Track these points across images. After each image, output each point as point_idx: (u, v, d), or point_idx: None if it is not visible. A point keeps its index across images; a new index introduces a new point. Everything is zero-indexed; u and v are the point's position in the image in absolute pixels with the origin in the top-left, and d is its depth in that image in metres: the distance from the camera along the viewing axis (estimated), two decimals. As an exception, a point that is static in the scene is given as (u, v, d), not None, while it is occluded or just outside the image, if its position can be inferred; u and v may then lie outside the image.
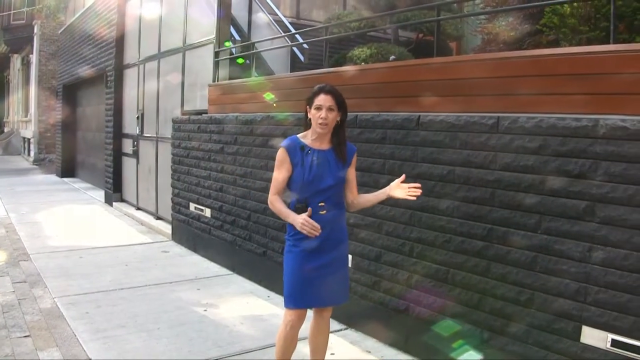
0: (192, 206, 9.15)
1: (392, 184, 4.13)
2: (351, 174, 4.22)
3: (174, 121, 9.96)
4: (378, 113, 5.66)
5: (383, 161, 5.49)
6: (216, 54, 9.15)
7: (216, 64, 9.15)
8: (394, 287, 5.36)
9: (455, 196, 4.83)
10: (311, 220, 3.84)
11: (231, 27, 9.79)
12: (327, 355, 5.09)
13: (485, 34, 7.83)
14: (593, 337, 3.92)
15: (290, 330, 4.14)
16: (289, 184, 4.03)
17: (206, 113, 9.12)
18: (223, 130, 8.22)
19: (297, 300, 4.09)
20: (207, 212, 8.63)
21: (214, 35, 9.26)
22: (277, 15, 11.71)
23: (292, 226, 4.01)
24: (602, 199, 3.88)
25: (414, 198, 4.08)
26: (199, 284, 7.39)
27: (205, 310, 6.32)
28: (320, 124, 3.96)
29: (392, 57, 7.66)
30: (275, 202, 4.03)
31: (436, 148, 5.02)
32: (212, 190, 8.52)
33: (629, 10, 5.37)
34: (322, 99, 3.95)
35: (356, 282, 5.69)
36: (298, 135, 4.12)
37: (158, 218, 11.45)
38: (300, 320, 4.17)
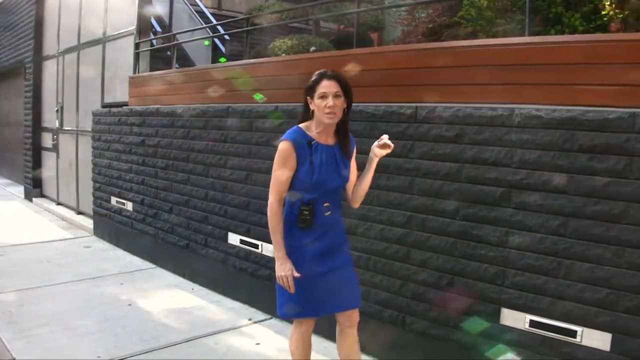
0: (113, 200, 8.85)
1: (373, 148, 3.66)
2: (353, 167, 3.81)
3: (94, 114, 9.60)
4: (300, 104, 5.52)
5: (312, 151, 5.38)
6: (137, 46, 8.85)
7: (137, 56, 8.86)
8: (317, 276, 5.26)
9: (375, 185, 4.72)
10: (292, 281, 3.45)
11: (152, 18, 9.54)
12: (252, 345, 5.02)
13: (404, 26, 7.83)
14: (512, 318, 3.96)
15: (302, 336, 3.77)
16: (291, 182, 3.53)
17: (127, 105, 8.82)
18: (144, 123, 7.96)
19: (303, 309, 3.63)
20: (129, 206, 8.37)
21: (134, 26, 8.97)
22: (198, 6, 11.46)
23: (294, 230, 3.53)
24: (518, 185, 3.91)
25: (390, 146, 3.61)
26: (122, 278, 7.14)
27: (129, 305, 6.10)
28: (327, 113, 3.44)
29: (312, 49, 7.55)
30: (275, 220, 3.50)
31: (356, 138, 4.91)
32: (133, 184, 8.25)
33: (545, 3, 5.42)
34: (326, 85, 3.43)
35: (280, 272, 5.59)
36: (301, 126, 3.58)
37: (79, 213, 11.05)
38: (312, 325, 3.78)
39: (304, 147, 3.48)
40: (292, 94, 5.71)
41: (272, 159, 5.62)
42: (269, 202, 3.51)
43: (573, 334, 3.69)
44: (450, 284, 4.30)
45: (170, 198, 7.35)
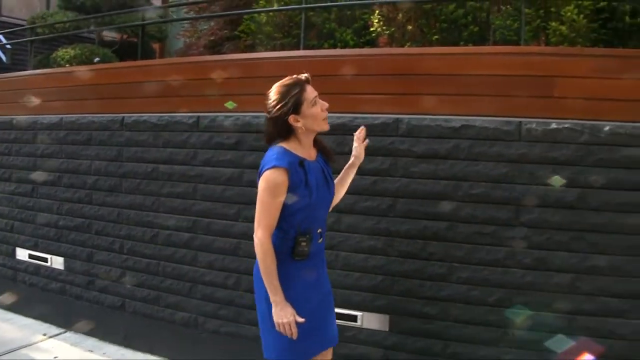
0: None
1: (354, 149, 2.92)
2: None
3: None
4: (84, 115, 4.79)
5: (90, 162, 4.63)
6: None
7: None
8: (109, 285, 4.51)
9: (160, 192, 4.19)
10: (295, 327, 2.48)
11: None
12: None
13: (187, 38, 7.27)
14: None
15: None
16: (282, 210, 2.53)
17: None
18: None
19: (301, 353, 2.62)
20: None
21: None
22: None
23: (286, 263, 2.54)
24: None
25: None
26: None
27: None
28: (325, 119, 2.61)
29: (96, 59, 6.69)
30: (269, 259, 2.48)
31: (140, 147, 4.33)
32: None
33: (319, 19, 5.22)
34: (312, 90, 2.57)
35: (70, 283, 4.75)
36: (284, 147, 2.56)
37: None
38: None
39: (297, 169, 2.53)
40: (78, 105, 4.94)
41: (58, 172, 4.94)
42: (257, 239, 2.49)
43: (354, 318, 3.49)
44: (237, 283, 3.87)
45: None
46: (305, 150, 2.61)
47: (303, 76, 2.58)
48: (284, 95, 2.52)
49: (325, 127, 2.63)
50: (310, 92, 2.56)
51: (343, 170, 2.94)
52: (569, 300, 3.05)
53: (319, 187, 2.59)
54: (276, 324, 2.49)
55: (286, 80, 2.58)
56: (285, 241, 2.56)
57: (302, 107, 2.52)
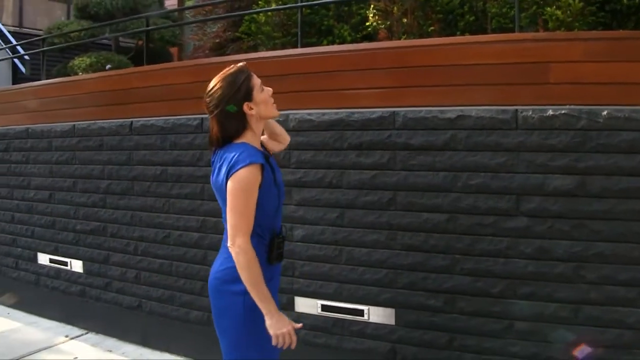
0: None
1: None
2: None
3: None
4: (94, 121, 4.76)
5: (102, 167, 4.60)
6: None
7: None
8: (125, 286, 4.48)
9: (169, 194, 4.14)
10: (295, 335, 2.21)
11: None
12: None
13: (195, 41, 7.22)
14: (305, 305, 3.57)
15: None
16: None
17: None
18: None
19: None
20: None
21: None
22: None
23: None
24: (297, 184, 3.51)
25: None
26: None
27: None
28: (274, 104, 2.37)
29: (108, 67, 6.64)
30: (256, 266, 2.16)
31: (149, 151, 4.29)
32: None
33: (317, 17, 5.12)
34: (256, 76, 2.32)
35: (89, 286, 4.74)
36: (247, 143, 2.28)
37: None
38: None
39: (267, 166, 2.26)
40: (87, 112, 4.90)
41: (73, 177, 4.93)
42: (238, 249, 2.15)
43: (360, 312, 3.39)
44: (247, 280, 3.82)
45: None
46: (258, 143, 2.35)
47: (241, 64, 2.33)
48: (233, 84, 2.25)
49: (277, 112, 2.39)
50: (256, 77, 2.31)
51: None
52: (573, 289, 2.91)
53: (282, 184, 2.39)
54: (274, 337, 2.18)
55: (229, 70, 2.29)
56: (261, 247, 2.27)
57: (254, 94, 2.27)
